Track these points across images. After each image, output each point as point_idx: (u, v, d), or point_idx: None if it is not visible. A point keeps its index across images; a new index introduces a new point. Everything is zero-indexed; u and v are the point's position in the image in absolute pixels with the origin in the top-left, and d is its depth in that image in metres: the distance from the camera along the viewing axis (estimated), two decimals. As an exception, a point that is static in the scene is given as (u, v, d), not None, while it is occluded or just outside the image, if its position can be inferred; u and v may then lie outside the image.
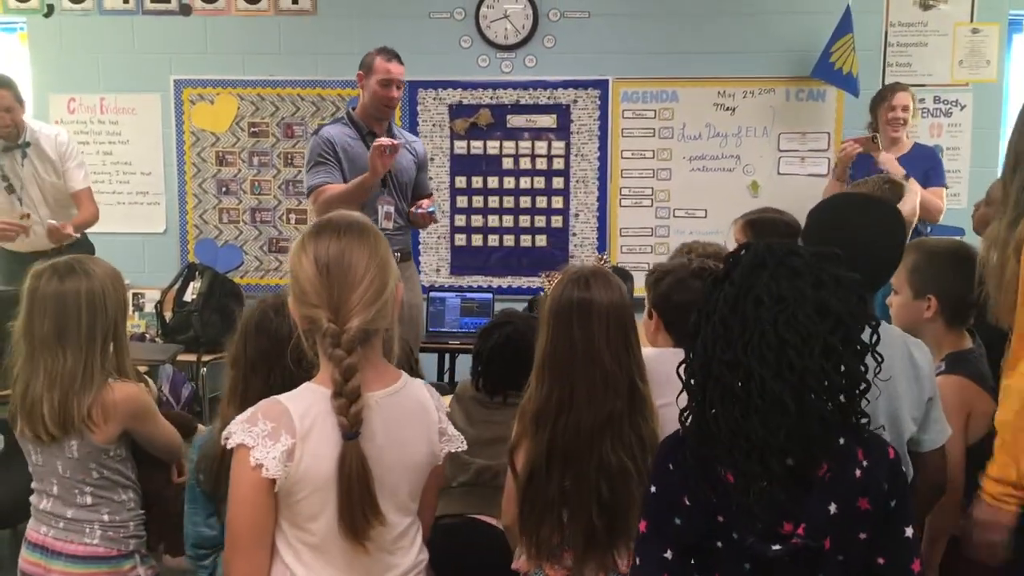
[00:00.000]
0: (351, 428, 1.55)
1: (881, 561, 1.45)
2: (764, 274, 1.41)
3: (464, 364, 4.56)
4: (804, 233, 2.31)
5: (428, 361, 4.59)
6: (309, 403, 1.58)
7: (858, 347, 1.42)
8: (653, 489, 1.52)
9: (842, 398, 1.42)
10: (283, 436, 1.54)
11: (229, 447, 1.56)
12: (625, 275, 4.96)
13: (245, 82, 5.42)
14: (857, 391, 1.43)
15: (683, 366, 1.50)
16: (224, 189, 5.51)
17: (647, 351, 2.02)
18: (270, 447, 1.53)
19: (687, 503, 1.47)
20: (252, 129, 5.46)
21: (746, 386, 1.37)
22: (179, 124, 5.48)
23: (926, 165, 4.54)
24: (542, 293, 4.56)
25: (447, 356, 4.90)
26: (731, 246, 3.03)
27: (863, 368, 1.42)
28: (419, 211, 3.95)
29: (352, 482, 1.54)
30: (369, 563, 1.62)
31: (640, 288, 3.65)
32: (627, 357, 1.89)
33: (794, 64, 5.16)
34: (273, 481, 1.53)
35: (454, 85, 5.34)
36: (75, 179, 4.55)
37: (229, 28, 5.41)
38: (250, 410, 1.59)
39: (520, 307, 4.24)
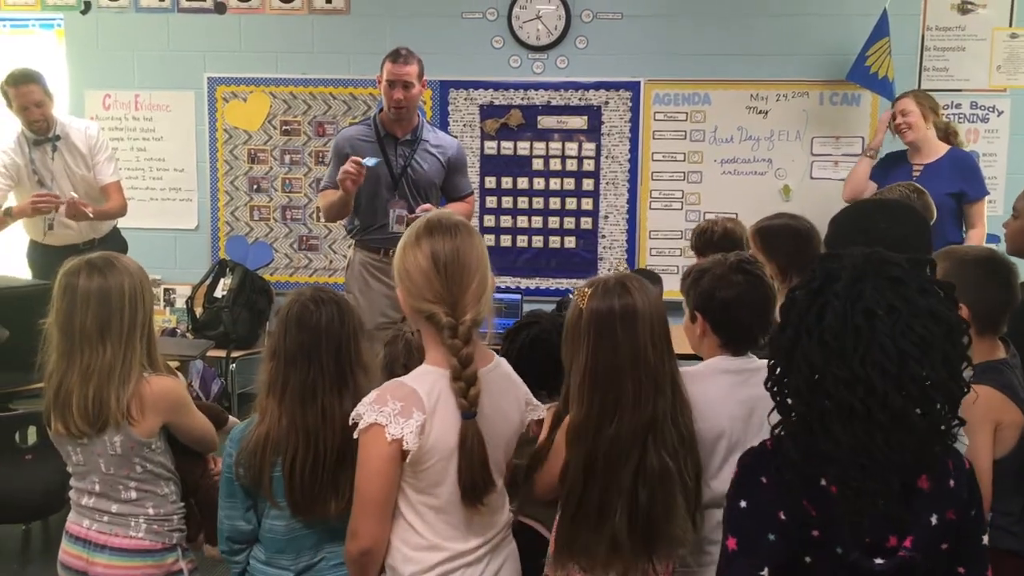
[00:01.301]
0: (470, 408, 1.73)
1: (962, 571, 1.44)
2: (867, 284, 1.36)
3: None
4: (827, 240, 2.28)
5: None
6: (432, 382, 1.76)
7: (966, 353, 1.40)
8: (743, 504, 1.47)
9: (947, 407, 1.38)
10: (415, 413, 1.72)
11: (361, 426, 1.74)
12: (654, 278, 4.94)
13: (278, 80, 5.45)
14: (960, 399, 1.40)
15: (770, 383, 1.46)
16: (255, 187, 5.55)
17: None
18: (403, 423, 1.71)
19: (783, 518, 1.42)
20: (284, 127, 5.49)
21: (866, 402, 1.32)
22: (212, 121, 5.53)
23: (961, 174, 4.37)
24: (570, 295, 4.54)
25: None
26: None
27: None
28: (412, 216, 3.81)
29: (472, 455, 1.74)
30: (480, 520, 1.83)
31: (670, 291, 3.63)
32: (669, 355, 1.90)
33: (828, 67, 5.12)
34: (405, 453, 1.72)
35: (485, 85, 5.34)
36: (105, 172, 4.58)
37: (263, 26, 5.44)
38: (375, 392, 1.78)
39: (548, 308, 4.23)
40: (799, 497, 1.40)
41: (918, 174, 4.35)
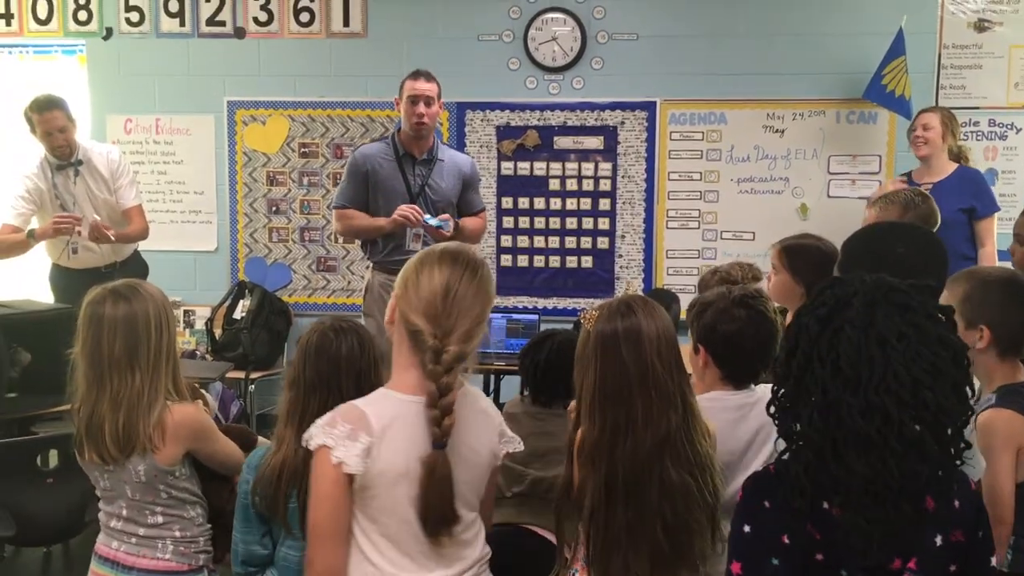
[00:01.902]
0: (441, 438, 1.69)
1: None
2: (879, 311, 1.36)
3: (509, 385, 4.57)
4: (840, 264, 2.27)
5: (473, 382, 4.59)
6: (385, 407, 1.73)
7: (971, 378, 1.40)
8: (747, 528, 1.46)
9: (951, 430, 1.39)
10: (361, 436, 1.68)
11: (311, 448, 1.70)
12: (671, 297, 4.94)
13: (296, 103, 5.51)
14: (967, 423, 1.40)
15: (775, 408, 1.46)
16: (274, 208, 5.60)
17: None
18: (350, 446, 1.67)
19: (787, 542, 1.42)
20: (302, 149, 5.54)
21: (882, 431, 1.32)
22: (232, 144, 5.58)
23: (971, 190, 4.40)
24: (580, 317, 4.55)
25: (492, 377, 4.90)
26: (770, 270, 3.02)
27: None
28: (431, 222, 3.91)
29: (439, 486, 1.69)
30: (445, 553, 1.76)
31: (685, 311, 3.62)
32: (679, 373, 1.89)
33: (845, 86, 5.11)
34: (352, 477, 1.67)
35: (502, 107, 5.38)
36: (127, 196, 4.63)
37: (282, 50, 5.50)
38: (329, 414, 1.73)
39: (565, 328, 4.22)
40: (803, 521, 1.40)
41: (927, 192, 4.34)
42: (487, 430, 1.87)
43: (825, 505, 1.39)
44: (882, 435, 1.32)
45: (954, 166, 4.50)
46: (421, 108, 3.92)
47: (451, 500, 1.72)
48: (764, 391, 2.25)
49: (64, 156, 4.46)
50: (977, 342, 2.21)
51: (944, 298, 2.20)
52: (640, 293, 2.34)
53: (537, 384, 2.51)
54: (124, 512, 2.25)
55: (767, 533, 1.43)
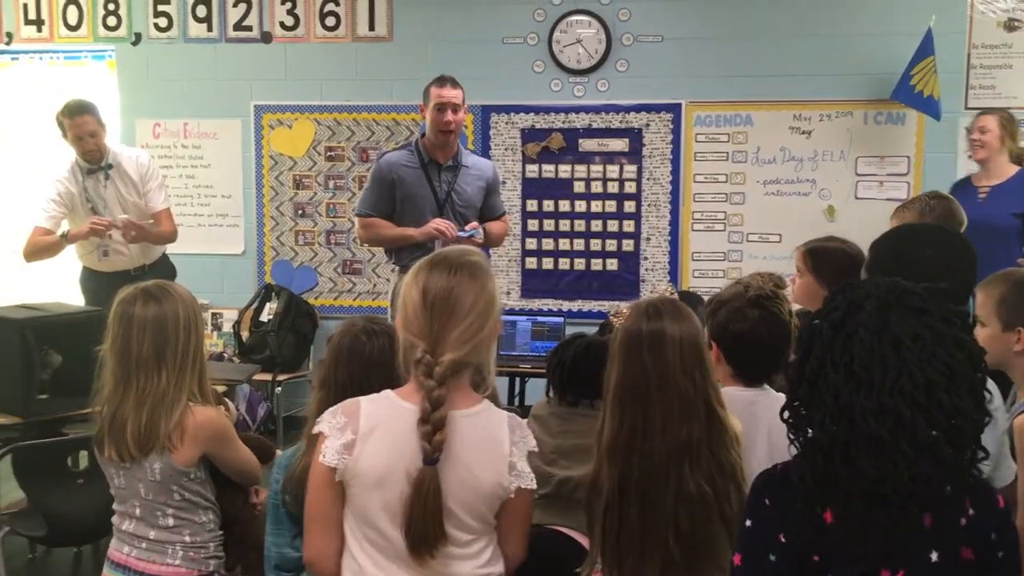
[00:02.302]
0: (432, 454, 1.64)
1: None
2: (892, 314, 1.36)
3: (535, 387, 4.57)
4: (867, 266, 2.26)
5: (499, 384, 4.59)
6: (380, 408, 1.72)
7: (988, 381, 1.38)
8: (748, 523, 1.49)
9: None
10: (347, 431, 1.69)
11: (313, 432, 1.74)
12: (697, 300, 4.91)
13: (322, 107, 5.54)
14: (984, 428, 1.38)
15: (788, 412, 1.45)
16: (300, 212, 5.63)
17: None
18: (336, 439, 1.69)
19: (783, 540, 1.43)
20: (328, 153, 5.57)
21: (894, 433, 1.32)
22: (258, 148, 5.63)
23: None
24: (610, 317, 4.53)
25: (517, 379, 4.90)
26: (794, 272, 3.00)
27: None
28: (461, 235, 3.94)
29: (426, 502, 1.64)
30: (430, 572, 1.71)
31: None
32: (703, 382, 1.87)
33: (873, 87, 5.07)
34: (334, 470, 1.68)
35: (526, 109, 5.38)
36: (156, 199, 4.68)
37: (308, 55, 5.54)
38: (340, 403, 1.76)
39: (591, 331, 4.22)
40: (801, 522, 1.41)
41: (984, 195, 4.32)
42: (492, 458, 1.75)
43: (822, 510, 1.39)
44: (894, 437, 1.31)
45: (1015, 169, 4.45)
46: (448, 116, 3.91)
47: (438, 518, 1.66)
48: (778, 395, 2.26)
49: (94, 160, 4.52)
50: (1014, 344, 2.18)
51: (980, 300, 2.17)
52: (674, 296, 2.34)
53: (563, 383, 2.51)
54: (137, 512, 2.27)
55: (766, 530, 1.45)
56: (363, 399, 1.74)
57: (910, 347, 1.33)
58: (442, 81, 3.96)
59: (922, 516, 1.35)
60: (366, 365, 2.00)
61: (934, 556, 1.35)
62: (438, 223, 3.89)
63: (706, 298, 4.76)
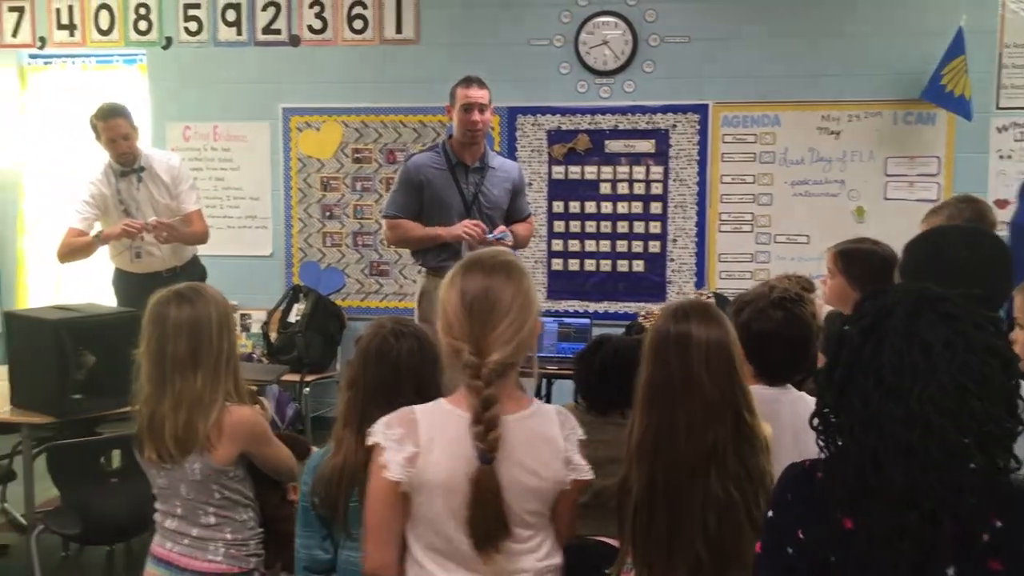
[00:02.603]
0: (487, 453, 1.68)
1: None
2: (922, 320, 1.34)
3: (560, 389, 4.57)
4: (901, 268, 2.24)
5: (525, 385, 4.60)
6: (436, 417, 1.74)
7: (1020, 390, 1.36)
8: (771, 515, 1.50)
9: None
10: (408, 445, 1.71)
11: (368, 443, 1.75)
12: (723, 301, 4.89)
13: (350, 109, 5.57)
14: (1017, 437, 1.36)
15: (817, 420, 1.44)
16: (328, 214, 5.67)
17: None
18: (396, 451, 1.70)
19: (801, 536, 1.43)
20: (355, 155, 5.61)
21: (924, 440, 1.30)
22: (287, 151, 5.67)
23: None
24: (639, 320, 4.52)
25: (544, 381, 4.91)
26: (824, 273, 2.99)
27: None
28: (490, 237, 3.95)
29: (487, 502, 1.69)
30: (495, 568, 1.75)
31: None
32: (730, 387, 1.86)
33: (902, 86, 5.03)
34: (397, 483, 1.70)
35: (553, 111, 5.39)
36: (188, 201, 4.73)
37: (335, 57, 5.58)
38: (392, 414, 1.77)
39: (618, 332, 4.22)
40: (820, 522, 1.40)
41: None
42: (549, 457, 1.80)
43: (841, 515, 1.38)
44: (924, 445, 1.30)
45: None
46: (476, 116, 3.93)
47: (501, 515, 1.71)
48: (799, 393, 2.29)
49: (127, 162, 4.58)
50: None
51: (1018, 303, 2.14)
52: (709, 299, 2.32)
53: (592, 391, 2.50)
54: (179, 511, 2.31)
55: (786, 524, 1.45)
56: (417, 409, 1.76)
57: (941, 353, 1.31)
58: (468, 82, 3.98)
59: (950, 525, 1.34)
60: (394, 367, 2.00)
61: (951, 572, 1.34)
62: (468, 226, 3.90)
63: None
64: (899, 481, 1.31)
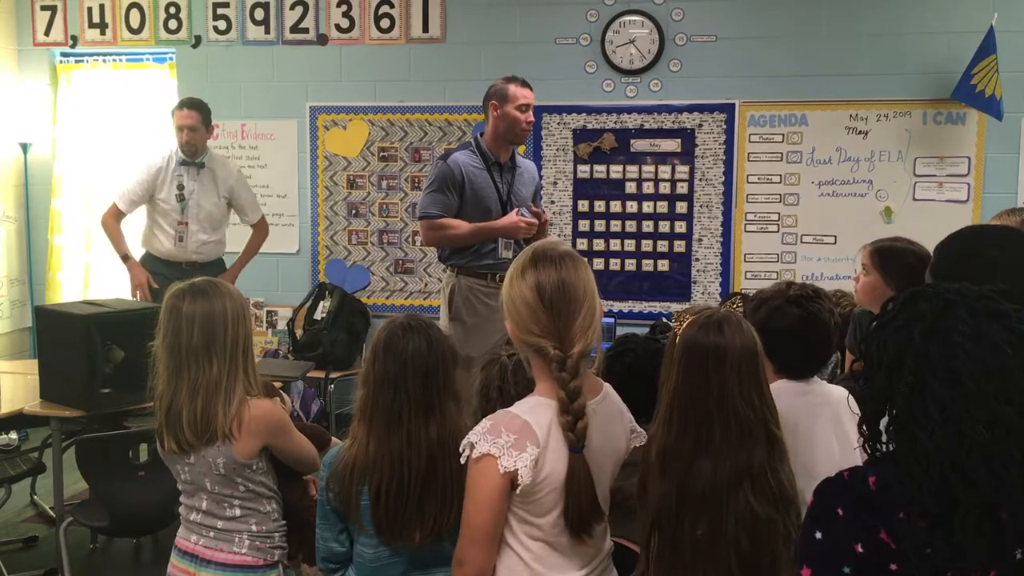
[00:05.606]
0: (578, 442, 1.74)
1: None
2: (982, 320, 1.34)
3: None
4: (933, 268, 2.22)
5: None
6: (542, 415, 1.77)
7: None
8: (818, 535, 1.43)
9: None
10: (528, 446, 1.73)
11: (474, 457, 1.75)
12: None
13: (376, 108, 5.60)
14: None
15: (867, 425, 1.42)
16: (354, 212, 5.70)
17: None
18: (516, 456, 1.72)
19: (860, 551, 1.39)
20: (381, 153, 5.63)
21: (1005, 442, 1.31)
22: (313, 149, 5.71)
23: None
24: (664, 319, 4.50)
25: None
26: (858, 270, 2.97)
27: None
28: (524, 213, 3.94)
29: (580, 489, 1.75)
30: (584, 550, 1.84)
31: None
32: (761, 403, 1.84)
33: (931, 86, 4.98)
34: (516, 485, 1.73)
35: (578, 110, 5.38)
36: (254, 214, 5.15)
37: (362, 56, 5.61)
38: (489, 422, 1.78)
39: (642, 331, 4.20)
40: (877, 530, 1.37)
41: None
42: (623, 431, 1.94)
43: (902, 515, 1.36)
44: (1004, 445, 1.30)
45: None
46: (530, 115, 3.99)
47: (595, 500, 1.77)
48: (826, 387, 2.31)
49: (189, 154, 4.86)
50: None
51: None
52: (738, 309, 2.30)
53: None
54: (204, 505, 2.33)
55: (839, 541, 1.40)
56: (519, 411, 1.78)
57: (1010, 353, 1.32)
58: (522, 82, 4.01)
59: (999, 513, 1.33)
60: (401, 360, 1.99)
61: (1018, 554, 1.33)
62: (518, 218, 3.90)
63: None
64: (983, 484, 1.30)
